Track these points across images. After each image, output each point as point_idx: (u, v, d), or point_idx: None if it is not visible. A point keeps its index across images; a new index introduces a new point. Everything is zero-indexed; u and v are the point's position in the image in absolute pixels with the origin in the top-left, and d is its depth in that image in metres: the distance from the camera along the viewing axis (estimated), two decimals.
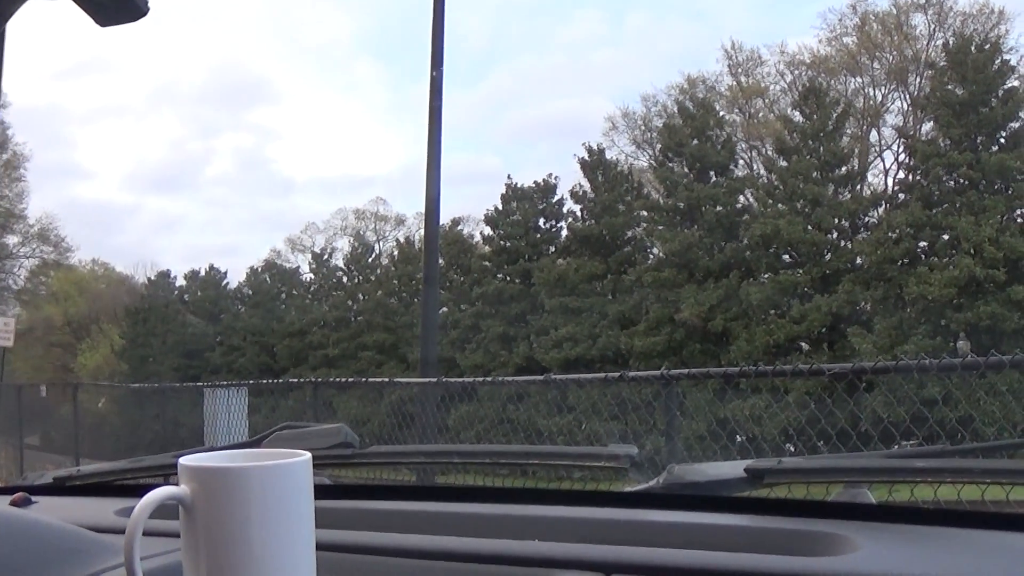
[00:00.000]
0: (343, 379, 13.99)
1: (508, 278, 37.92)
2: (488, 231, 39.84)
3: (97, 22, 1.14)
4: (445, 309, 36.74)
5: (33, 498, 1.85)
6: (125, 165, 78.43)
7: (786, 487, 1.89)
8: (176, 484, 1.13)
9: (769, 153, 37.02)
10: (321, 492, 1.45)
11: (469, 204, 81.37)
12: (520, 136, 69.55)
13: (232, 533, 1.10)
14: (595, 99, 66.82)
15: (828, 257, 32.30)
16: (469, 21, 66.70)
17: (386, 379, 14.36)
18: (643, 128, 43.75)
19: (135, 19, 1.14)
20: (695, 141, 35.17)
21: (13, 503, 1.79)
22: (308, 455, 1.16)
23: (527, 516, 1.56)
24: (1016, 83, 31.30)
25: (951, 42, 33.17)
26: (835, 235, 33.14)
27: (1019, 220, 29.93)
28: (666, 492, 1.69)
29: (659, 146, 38.39)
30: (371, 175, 78.39)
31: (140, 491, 1.16)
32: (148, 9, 1.14)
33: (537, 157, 68.99)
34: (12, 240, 49.99)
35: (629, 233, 36.79)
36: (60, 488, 2.10)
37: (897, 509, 1.47)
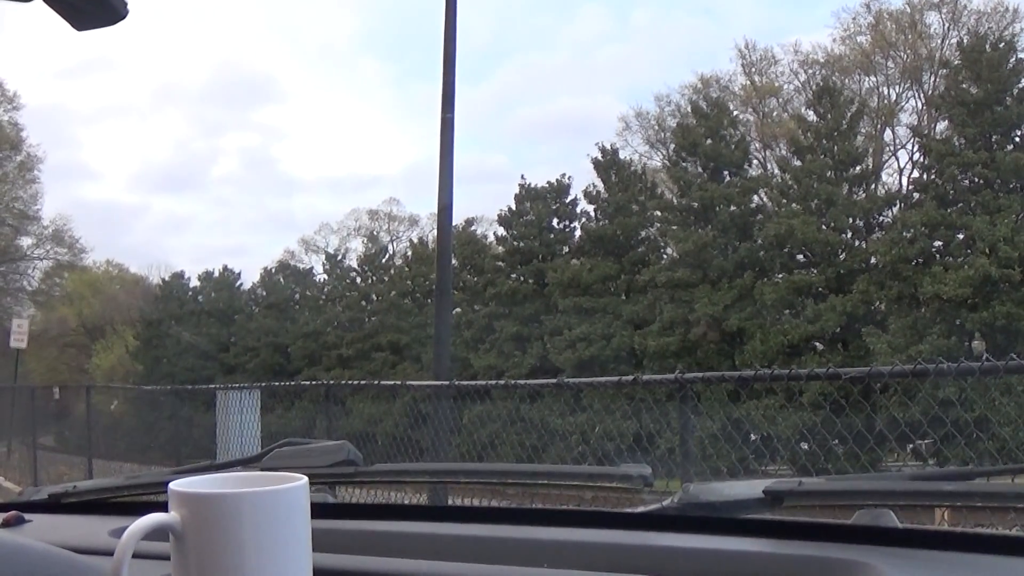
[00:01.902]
0: (355, 381, 13.95)
1: (521, 278, 37.92)
2: (501, 231, 39.89)
3: (74, 26, 1.09)
4: (459, 310, 36.76)
5: (27, 516, 1.82)
6: (131, 165, 78.73)
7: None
8: None
9: (783, 153, 36.98)
10: (323, 511, 1.40)
11: (477, 202, 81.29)
12: (527, 134, 69.52)
13: (224, 562, 1.06)
14: (603, 97, 66.70)
15: (842, 257, 32.23)
16: (472, 18, 66.51)
17: (399, 382, 14.33)
18: (656, 128, 43.79)
19: (113, 23, 1.09)
20: (709, 141, 35.10)
21: (6, 522, 1.76)
22: (304, 480, 1.11)
23: (536, 540, 1.51)
24: None
25: (965, 40, 33.06)
26: (849, 235, 33.06)
27: None
28: (680, 514, 1.63)
29: (673, 146, 38.35)
30: (378, 174, 78.29)
31: (137, 509, 1.13)
32: (127, 12, 1.09)
33: (545, 155, 68.89)
34: (27, 241, 50.27)
35: (643, 233, 36.78)
36: (55, 505, 2.05)
37: (923, 534, 1.40)
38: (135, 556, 1.04)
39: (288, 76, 77.12)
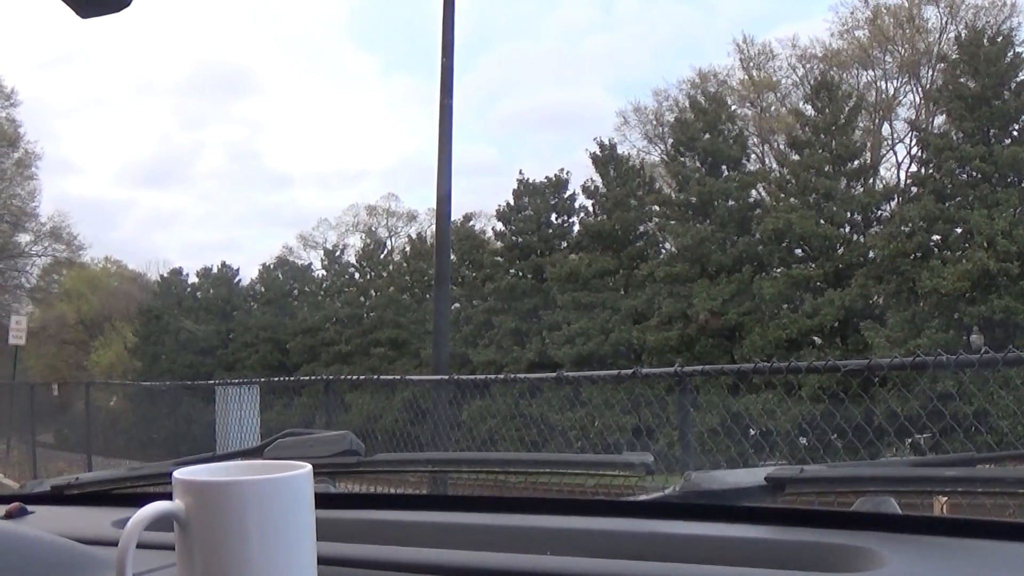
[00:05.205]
0: (355, 376, 13.96)
1: (520, 274, 37.94)
2: (500, 226, 39.90)
3: (79, 14, 1.09)
4: (457, 305, 36.79)
5: (29, 508, 1.81)
6: (115, 160, 77.77)
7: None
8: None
9: (781, 147, 36.97)
10: (325, 501, 1.40)
11: (470, 196, 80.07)
12: (516, 126, 68.75)
13: (228, 550, 1.06)
14: (591, 88, 65.90)
15: (840, 251, 32.25)
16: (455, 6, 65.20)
17: (398, 377, 14.33)
18: (655, 123, 43.74)
19: (118, 9, 1.09)
20: (707, 135, 35.14)
21: (8, 513, 1.76)
22: (308, 468, 1.11)
23: (539, 528, 1.52)
24: None
25: (963, 35, 33.07)
26: (848, 229, 33.10)
27: None
28: (683, 501, 1.64)
29: (671, 140, 38.39)
30: (366, 168, 77.13)
31: (139, 500, 1.12)
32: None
33: (535, 146, 67.87)
34: (25, 238, 50.16)
35: (641, 228, 36.81)
36: (58, 497, 2.05)
37: (925, 519, 1.41)
38: (139, 546, 1.04)
39: (269, 68, 76.21)
